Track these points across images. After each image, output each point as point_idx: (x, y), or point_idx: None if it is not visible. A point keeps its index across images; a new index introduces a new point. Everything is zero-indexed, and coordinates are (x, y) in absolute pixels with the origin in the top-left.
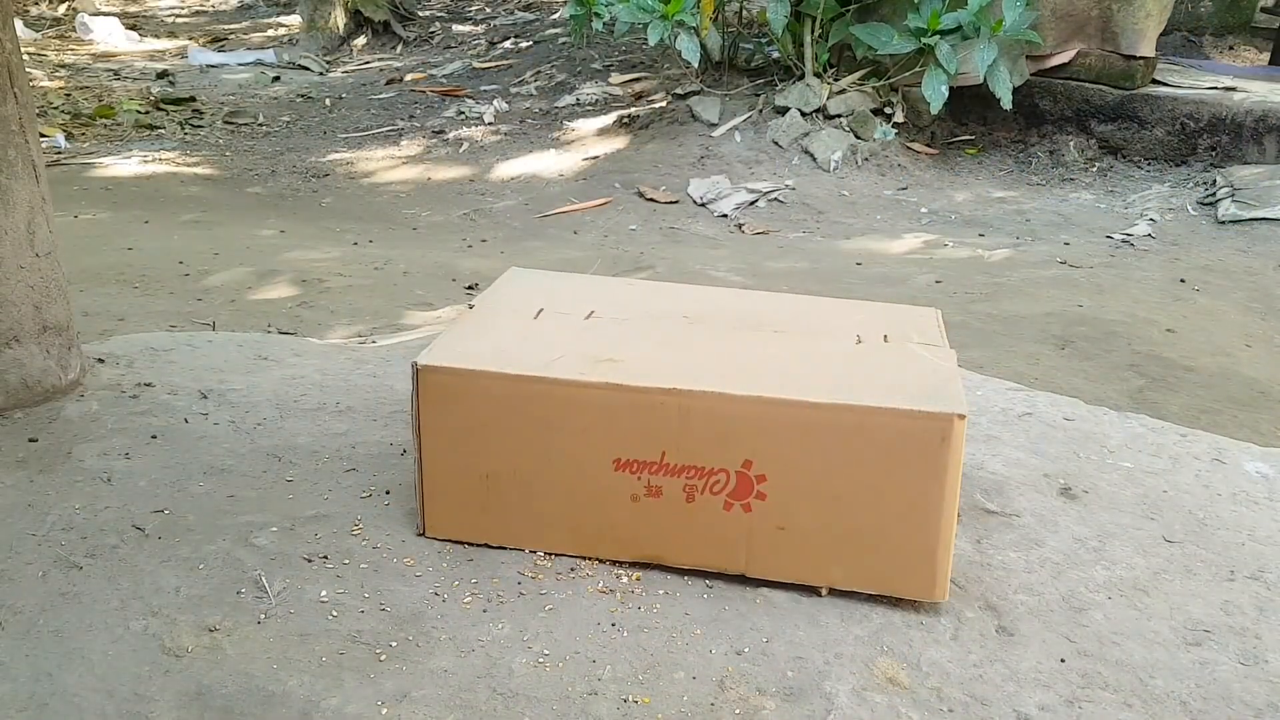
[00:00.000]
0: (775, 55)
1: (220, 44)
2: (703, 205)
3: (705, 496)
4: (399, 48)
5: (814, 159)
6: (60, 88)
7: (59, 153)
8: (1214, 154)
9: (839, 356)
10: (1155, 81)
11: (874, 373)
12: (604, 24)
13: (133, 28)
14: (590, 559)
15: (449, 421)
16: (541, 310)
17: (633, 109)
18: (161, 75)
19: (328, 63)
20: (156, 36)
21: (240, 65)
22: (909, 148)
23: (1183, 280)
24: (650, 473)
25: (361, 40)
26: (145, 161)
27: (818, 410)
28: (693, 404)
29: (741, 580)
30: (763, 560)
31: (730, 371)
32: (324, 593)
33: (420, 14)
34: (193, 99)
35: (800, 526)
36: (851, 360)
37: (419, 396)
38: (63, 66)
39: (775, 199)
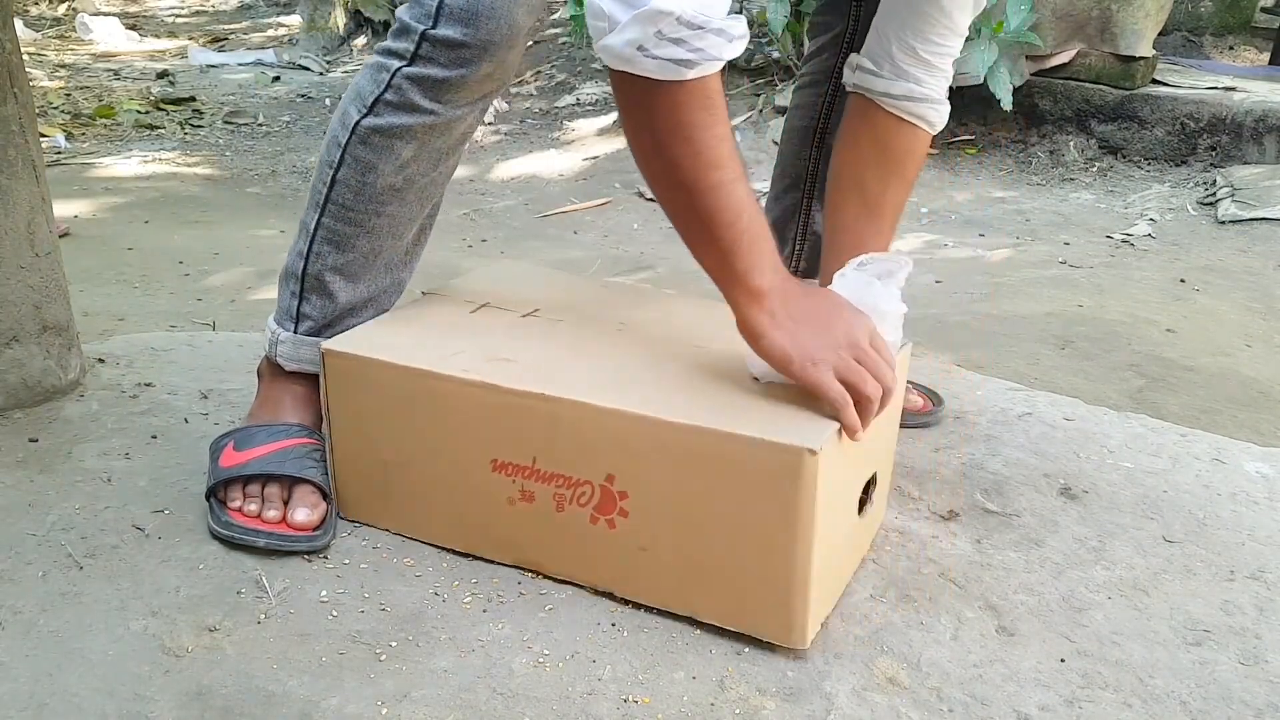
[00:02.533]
0: (775, 55)
1: (220, 44)
2: None
3: (573, 508)
4: None
5: None
6: (60, 88)
7: (59, 153)
8: (1214, 154)
9: (734, 372)
10: (1155, 81)
11: (755, 391)
12: None
13: (133, 28)
14: (480, 559)
15: (351, 407)
16: (484, 305)
17: None
18: (161, 75)
19: (328, 63)
20: (156, 36)
21: (240, 65)
22: None
23: (1183, 280)
24: (523, 477)
25: (361, 40)
26: (145, 161)
27: (672, 430)
28: (561, 411)
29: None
30: (627, 581)
31: (608, 382)
32: (324, 593)
33: None
34: (193, 99)
35: (662, 550)
36: (742, 376)
37: (325, 380)
38: (63, 66)
39: None
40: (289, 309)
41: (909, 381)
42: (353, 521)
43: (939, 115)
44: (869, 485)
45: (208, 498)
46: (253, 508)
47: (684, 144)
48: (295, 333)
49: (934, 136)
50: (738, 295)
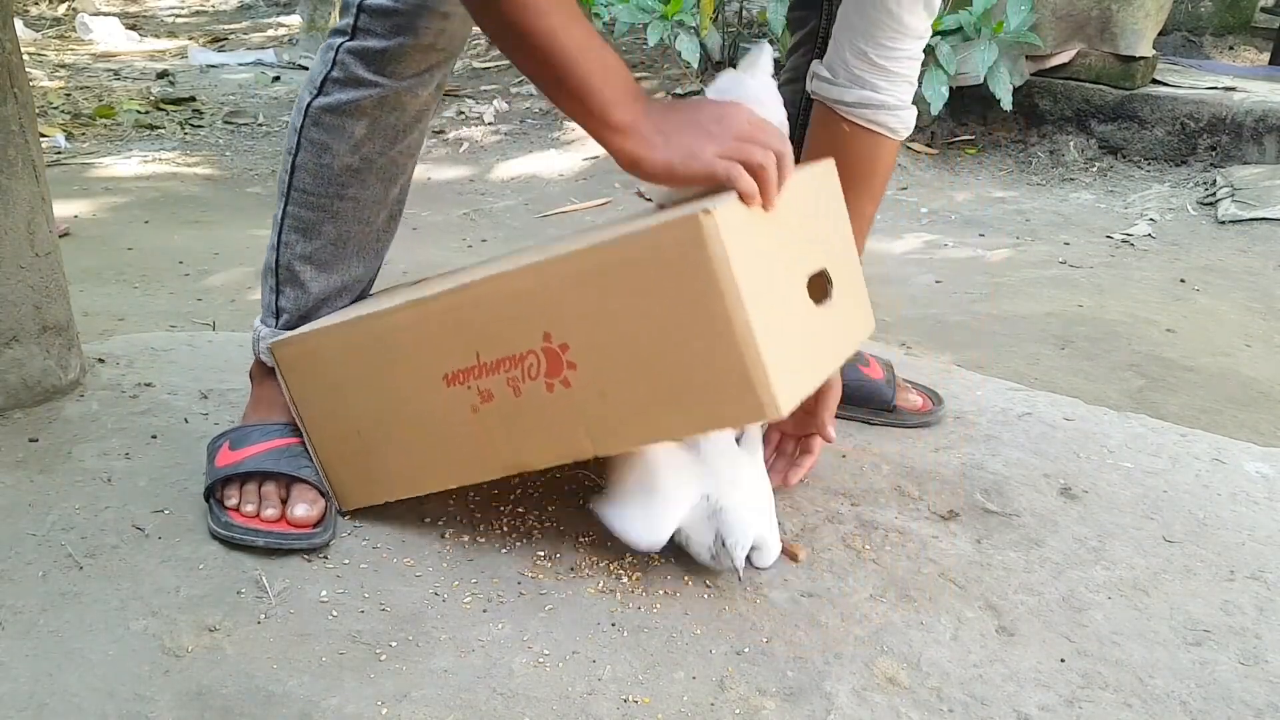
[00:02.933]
0: (775, 55)
1: (220, 44)
2: None
3: (528, 384)
4: None
5: None
6: (60, 88)
7: (59, 153)
8: (1214, 154)
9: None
10: (1155, 81)
11: (640, 222)
12: (604, 24)
13: (133, 28)
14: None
15: (312, 391)
16: (423, 279)
17: None
18: (161, 75)
19: None
20: (156, 36)
21: (240, 65)
22: (909, 148)
23: (1183, 280)
24: (475, 378)
25: None
26: (145, 161)
27: (580, 259)
28: (481, 292)
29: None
30: (602, 434)
31: (513, 263)
32: (324, 593)
33: None
34: (193, 99)
35: (620, 386)
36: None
37: (282, 378)
38: (63, 66)
39: None
40: (269, 305)
41: (909, 381)
42: (353, 516)
43: (900, 122)
44: (826, 281)
45: (206, 498)
46: (250, 507)
47: (512, 5)
48: (275, 328)
49: (934, 136)
50: (604, 134)
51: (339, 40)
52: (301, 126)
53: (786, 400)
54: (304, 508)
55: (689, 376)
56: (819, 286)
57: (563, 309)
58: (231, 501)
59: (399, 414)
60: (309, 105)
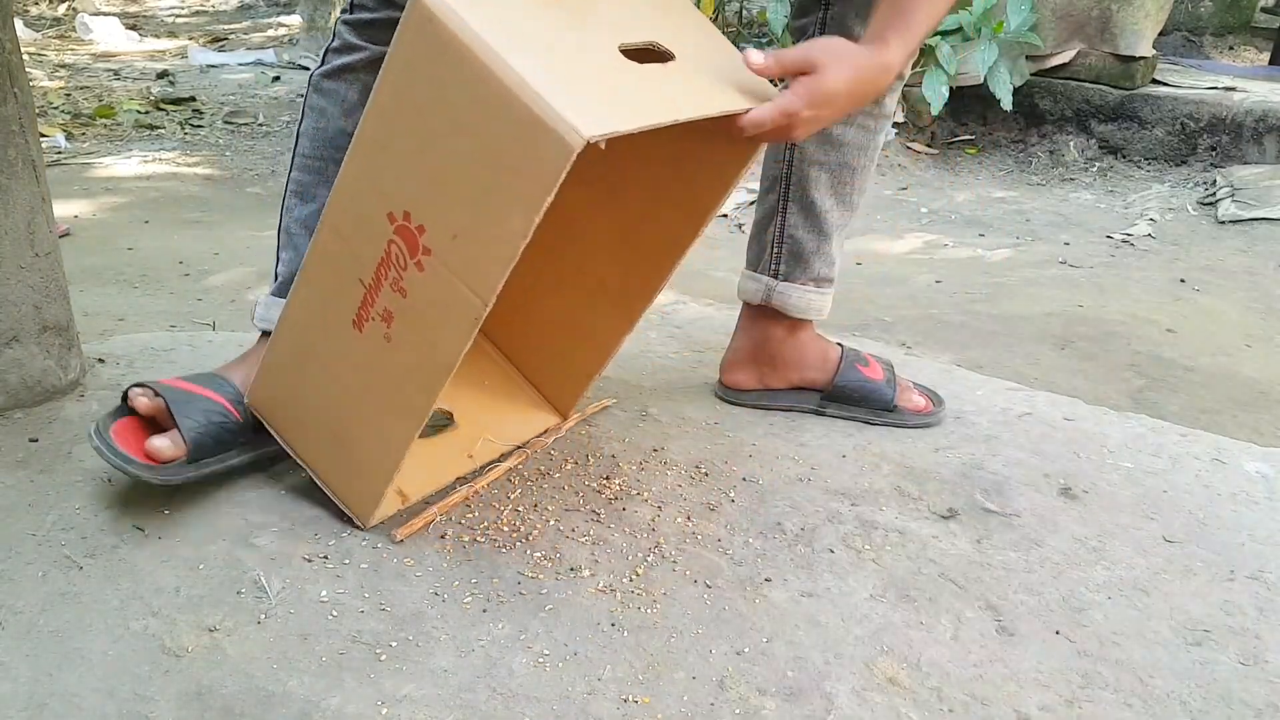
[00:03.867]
0: None
1: (220, 44)
2: None
3: (406, 277)
4: None
5: None
6: (60, 88)
7: (59, 153)
8: (1214, 154)
9: None
10: (1155, 81)
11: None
12: None
13: (133, 28)
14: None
15: (288, 419)
16: None
17: None
18: (161, 75)
19: None
20: (156, 36)
21: (240, 65)
22: (909, 148)
23: (1183, 280)
24: (370, 305)
25: None
26: (145, 161)
27: (363, 120)
28: (330, 224)
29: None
30: (476, 280)
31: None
32: (324, 593)
33: None
34: (193, 99)
35: (459, 214)
36: None
37: (266, 422)
38: (63, 66)
39: None
40: (273, 270)
41: (911, 382)
42: (352, 516)
43: None
44: (658, 53)
45: (122, 397)
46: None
47: None
48: (271, 293)
49: (934, 136)
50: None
51: (340, 17)
52: (306, 96)
53: (589, 125)
54: (162, 441)
55: (499, 159)
56: (653, 57)
57: (383, 177)
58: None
59: (344, 388)
60: (312, 75)
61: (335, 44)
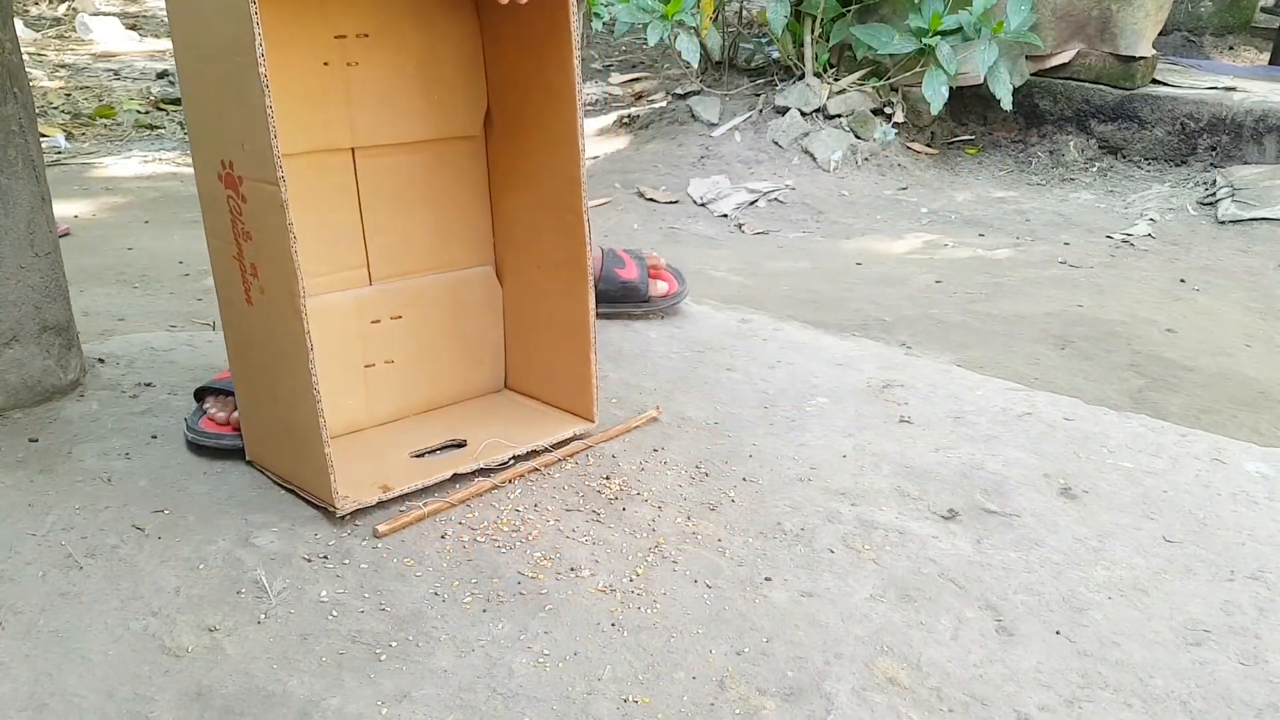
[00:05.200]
0: (775, 55)
1: None
2: (703, 205)
3: (245, 216)
4: None
5: (814, 159)
6: (60, 88)
7: (59, 153)
8: (1214, 154)
9: None
10: (1155, 81)
11: None
12: (604, 24)
13: (133, 28)
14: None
15: (269, 452)
16: None
17: (633, 109)
18: (161, 75)
19: None
20: (156, 36)
21: None
22: (909, 148)
23: (1183, 280)
24: (245, 272)
25: None
26: (145, 161)
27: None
28: (206, 224)
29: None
30: (261, 170)
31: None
32: (324, 593)
33: None
34: None
35: (240, 128)
36: None
37: (260, 469)
38: (63, 66)
39: (775, 199)
40: None
41: (664, 264)
42: (353, 515)
43: None
44: None
45: (196, 398)
46: (221, 415)
47: None
48: None
49: (934, 136)
50: None
51: None
52: None
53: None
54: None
55: (231, 45)
56: None
57: (204, 128)
58: (209, 408)
59: (264, 370)
60: None
61: None
